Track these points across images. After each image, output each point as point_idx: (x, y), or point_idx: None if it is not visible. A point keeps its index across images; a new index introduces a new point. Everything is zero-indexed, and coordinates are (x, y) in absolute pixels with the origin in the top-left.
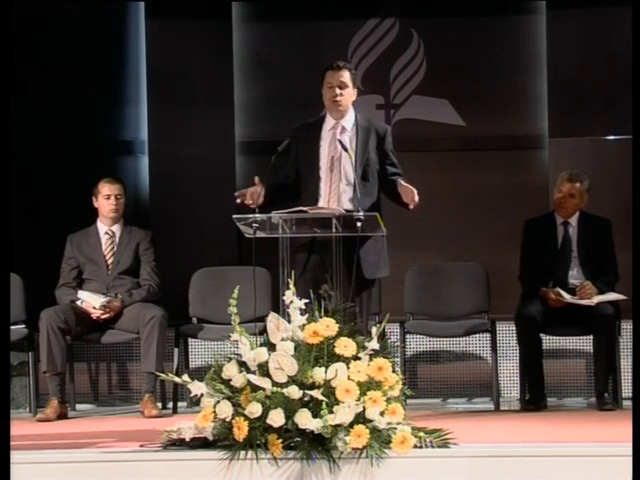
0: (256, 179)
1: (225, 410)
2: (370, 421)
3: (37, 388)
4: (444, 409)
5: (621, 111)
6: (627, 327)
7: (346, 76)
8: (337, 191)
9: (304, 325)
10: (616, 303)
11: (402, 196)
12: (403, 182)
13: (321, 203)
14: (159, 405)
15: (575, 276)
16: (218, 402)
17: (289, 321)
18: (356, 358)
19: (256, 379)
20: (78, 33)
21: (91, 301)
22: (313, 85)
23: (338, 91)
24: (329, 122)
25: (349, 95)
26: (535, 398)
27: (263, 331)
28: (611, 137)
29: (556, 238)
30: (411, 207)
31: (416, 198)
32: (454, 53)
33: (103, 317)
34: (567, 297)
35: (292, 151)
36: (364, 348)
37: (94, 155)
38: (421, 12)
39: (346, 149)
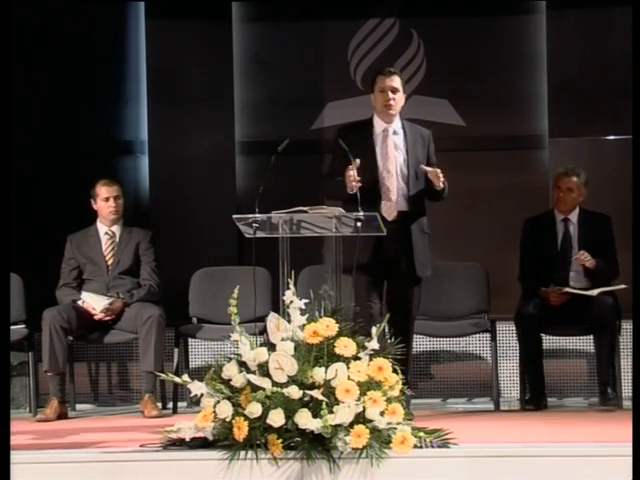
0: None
1: (225, 410)
2: (370, 421)
3: (37, 388)
4: (444, 409)
5: (621, 111)
6: (627, 327)
7: (397, 81)
8: (397, 191)
9: (304, 325)
10: (617, 302)
11: (430, 177)
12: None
13: (385, 203)
14: (159, 405)
15: (575, 277)
16: (218, 402)
17: (289, 321)
18: (356, 358)
19: (256, 379)
20: (78, 33)
21: (93, 303)
22: (313, 85)
23: (391, 95)
24: (379, 125)
25: (400, 100)
26: (535, 398)
27: (263, 331)
28: (611, 137)
29: (556, 236)
30: (439, 187)
31: (441, 177)
32: (454, 53)
33: (105, 319)
34: (566, 288)
35: (338, 155)
36: (364, 348)
37: (94, 155)
38: (421, 12)
39: (347, 151)
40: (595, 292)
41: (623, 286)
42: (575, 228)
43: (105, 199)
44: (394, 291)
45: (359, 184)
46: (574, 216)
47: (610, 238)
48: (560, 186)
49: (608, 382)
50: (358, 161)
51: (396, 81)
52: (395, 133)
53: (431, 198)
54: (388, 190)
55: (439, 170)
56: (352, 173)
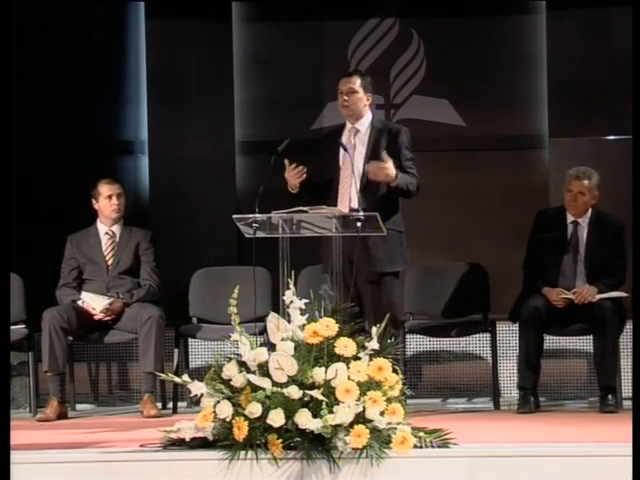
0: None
1: (225, 410)
2: (370, 421)
3: (37, 388)
4: (444, 409)
5: (621, 111)
6: (627, 327)
7: (355, 82)
8: (349, 189)
9: (304, 325)
10: (620, 303)
11: (372, 178)
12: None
13: (338, 201)
14: (159, 405)
15: (580, 281)
16: (218, 402)
17: (289, 321)
18: (356, 358)
19: (256, 379)
20: (78, 33)
21: (93, 303)
22: (313, 85)
23: (345, 97)
24: (347, 126)
25: (358, 100)
26: (525, 400)
27: (263, 331)
28: (611, 137)
29: (565, 237)
30: (392, 183)
31: (389, 170)
32: (454, 53)
33: (105, 319)
34: (569, 294)
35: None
36: (364, 348)
37: (94, 155)
38: (421, 12)
39: (346, 149)
40: (596, 298)
41: (624, 294)
42: (584, 232)
43: (108, 197)
44: (362, 290)
45: (297, 182)
46: (585, 219)
47: (621, 246)
48: (571, 189)
49: (609, 389)
50: (286, 162)
51: (353, 82)
52: (357, 133)
53: (400, 194)
54: (342, 187)
55: (382, 163)
56: (288, 174)
